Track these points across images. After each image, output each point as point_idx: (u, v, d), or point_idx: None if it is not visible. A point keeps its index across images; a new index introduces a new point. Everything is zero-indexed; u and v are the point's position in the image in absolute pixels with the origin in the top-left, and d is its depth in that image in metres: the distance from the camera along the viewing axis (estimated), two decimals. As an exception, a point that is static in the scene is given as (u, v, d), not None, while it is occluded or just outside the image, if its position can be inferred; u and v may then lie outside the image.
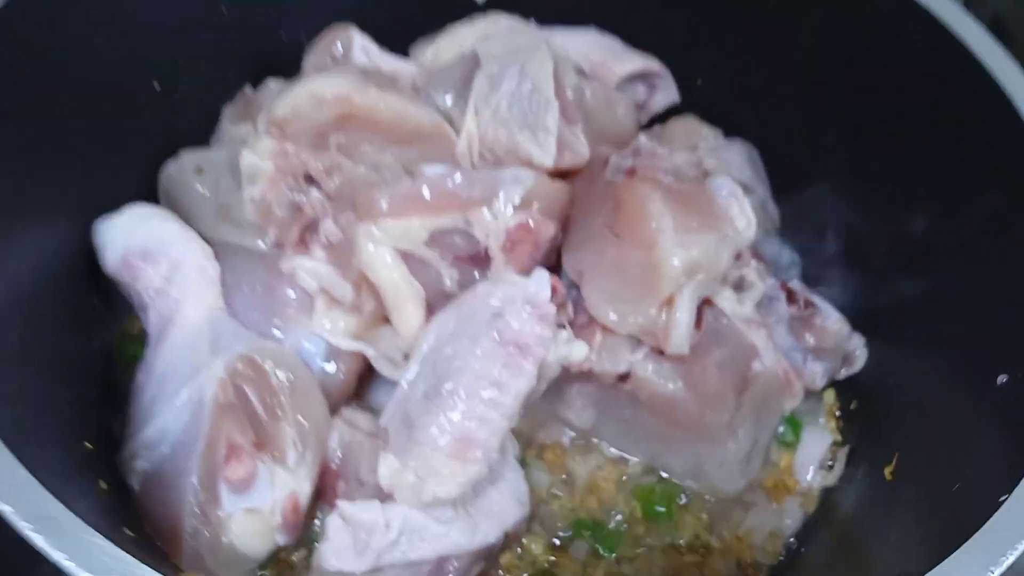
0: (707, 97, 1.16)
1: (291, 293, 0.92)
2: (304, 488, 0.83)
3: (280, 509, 0.81)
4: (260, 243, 0.94)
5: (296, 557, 0.88)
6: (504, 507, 0.87)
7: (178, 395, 0.82)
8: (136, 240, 0.90)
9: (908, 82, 0.93)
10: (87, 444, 0.79)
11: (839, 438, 1.00)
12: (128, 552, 0.53)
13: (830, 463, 0.98)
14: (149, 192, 1.00)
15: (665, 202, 0.89)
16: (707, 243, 0.88)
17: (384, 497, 0.81)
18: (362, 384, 0.95)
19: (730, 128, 1.13)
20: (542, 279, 0.85)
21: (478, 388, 0.80)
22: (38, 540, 0.52)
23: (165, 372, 0.84)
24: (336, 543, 0.79)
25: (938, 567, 0.61)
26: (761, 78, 1.10)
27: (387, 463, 0.80)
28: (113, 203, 0.95)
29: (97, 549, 0.53)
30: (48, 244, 0.88)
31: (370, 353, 0.90)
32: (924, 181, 0.93)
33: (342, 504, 0.80)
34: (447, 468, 0.78)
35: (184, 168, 0.98)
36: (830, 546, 0.90)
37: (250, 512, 0.80)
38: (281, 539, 0.82)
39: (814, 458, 0.98)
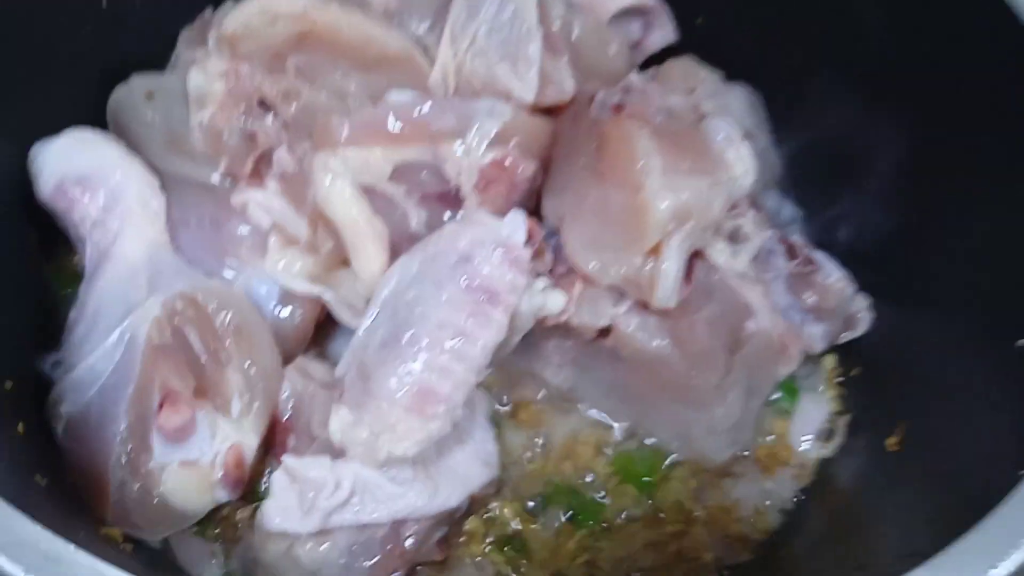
0: (707, 38, 1.08)
1: (243, 230, 0.85)
2: (249, 440, 0.77)
3: (221, 462, 0.75)
4: (213, 177, 0.86)
5: (240, 516, 0.81)
6: (469, 469, 0.80)
7: (110, 335, 0.75)
8: (73, 166, 0.83)
9: (927, 21, 0.83)
10: (7, 384, 0.71)
11: (839, 407, 0.93)
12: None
13: (828, 433, 0.91)
14: (98, 120, 0.92)
15: (654, 141, 0.80)
16: (699, 187, 0.79)
17: (336, 453, 0.74)
18: (320, 333, 0.88)
19: (732, 72, 1.05)
20: (517, 221, 0.77)
21: (441, 337, 0.73)
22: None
23: (98, 309, 0.78)
24: (281, 501, 0.73)
25: (948, 549, 0.53)
26: (767, 18, 1.01)
27: (340, 416, 0.73)
28: (57, 129, 0.88)
29: None
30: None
31: (328, 298, 0.83)
32: (941, 129, 0.84)
33: (288, 459, 0.73)
34: (404, 424, 0.71)
35: (134, 93, 0.90)
36: (824, 522, 0.84)
37: (186, 465, 0.74)
38: (222, 495, 0.76)
39: (811, 427, 0.91)
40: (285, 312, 0.84)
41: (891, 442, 0.80)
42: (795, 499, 0.89)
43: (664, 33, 1.08)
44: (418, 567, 0.79)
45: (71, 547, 0.43)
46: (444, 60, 0.89)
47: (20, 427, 0.70)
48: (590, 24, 0.96)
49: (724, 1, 1.05)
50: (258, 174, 0.85)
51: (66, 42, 0.89)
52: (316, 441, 0.78)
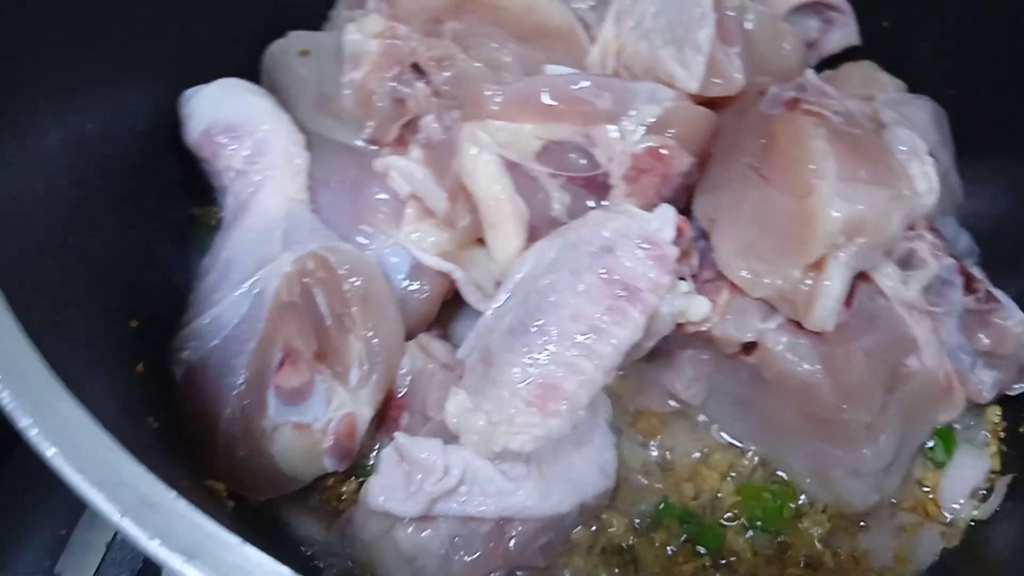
0: (893, 44, 1.00)
1: (381, 196, 0.83)
2: (364, 412, 0.75)
3: (333, 430, 0.73)
4: (357, 141, 0.85)
5: (345, 489, 0.79)
6: (585, 475, 0.75)
7: (239, 286, 0.74)
8: (222, 113, 0.83)
9: None
10: (132, 322, 0.70)
11: (998, 465, 0.83)
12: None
13: (985, 493, 0.81)
14: (251, 74, 0.92)
15: (830, 142, 0.73)
16: (876, 199, 0.72)
17: (449, 438, 0.70)
18: (445, 312, 0.85)
19: (916, 84, 0.97)
20: (667, 216, 0.72)
21: (573, 330, 0.68)
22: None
23: (231, 259, 0.77)
24: (387, 479, 0.70)
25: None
26: (963, 26, 0.93)
27: (457, 400, 0.70)
28: (210, 78, 0.88)
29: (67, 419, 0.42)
30: (140, 112, 0.82)
31: (458, 276, 0.80)
32: None
33: (400, 436, 0.70)
34: (523, 417, 0.67)
35: (289, 49, 0.91)
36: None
37: (299, 427, 0.72)
38: (330, 464, 0.74)
39: (967, 484, 0.83)
40: (413, 286, 0.81)
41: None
42: (936, 558, 0.80)
43: (846, 33, 1.02)
44: (518, 572, 0.73)
45: (171, 494, 0.41)
46: (606, 39, 0.85)
47: (140, 367, 0.69)
48: (766, 16, 0.91)
49: (915, 4, 0.97)
50: (403, 141, 0.83)
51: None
52: (430, 422, 0.75)
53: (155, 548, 0.39)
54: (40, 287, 0.55)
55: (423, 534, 0.70)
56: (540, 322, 0.69)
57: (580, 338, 0.68)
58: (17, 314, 0.47)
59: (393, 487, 0.69)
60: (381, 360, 0.75)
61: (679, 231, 0.72)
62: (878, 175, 0.73)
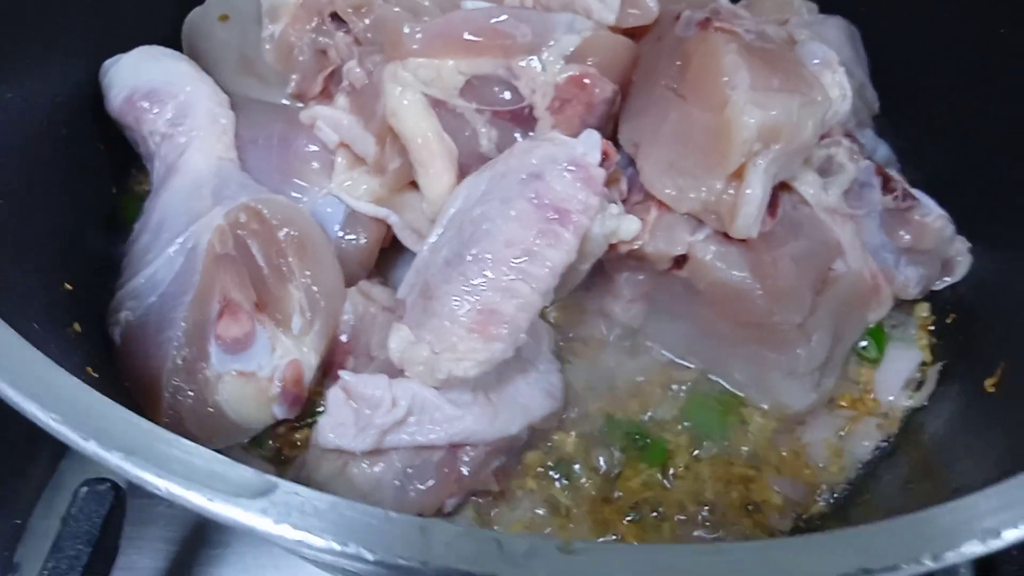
0: None
1: (311, 147, 0.85)
2: (309, 359, 0.77)
3: (279, 377, 0.75)
4: (282, 99, 0.87)
5: (299, 437, 0.81)
6: (531, 398, 0.78)
7: (172, 243, 0.75)
8: (143, 79, 0.84)
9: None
10: (66, 285, 0.71)
11: (929, 357, 0.87)
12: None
13: (918, 383, 0.86)
14: (172, 43, 0.93)
15: (742, 56, 0.75)
16: (789, 105, 0.74)
17: (394, 374, 0.72)
18: (384, 258, 0.87)
19: (829, 6, 1.01)
20: (592, 140, 0.75)
21: (507, 255, 0.70)
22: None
23: (162, 220, 0.79)
24: (336, 417, 0.71)
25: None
26: None
27: (400, 334, 0.72)
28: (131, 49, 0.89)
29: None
30: (63, 83, 0.83)
31: (393, 220, 0.82)
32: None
33: (345, 375, 0.72)
34: (465, 343, 0.69)
35: (208, 15, 0.92)
36: (906, 471, 0.78)
37: (244, 376, 0.74)
38: (280, 412, 0.76)
39: (900, 376, 0.86)
40: (350, 235, 0.83)
41: (990, 383, 0.75)
42: (876, 449, 0.84)
43: None
44: (473, 496, 0.76)
45: (107, 401, 0.42)
46: None
47: (76, 326, 0.71)
48: None
49: None
50: (328, 93, 0.84)
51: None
52: (375, 361, 0.77)
53: (92, 448, 0.40)
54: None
55: (376, 468, 0.72)
56: (475, 251, 0.71)
57: (515, 262, 0.70)
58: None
59: (343, 424, 0.71)
60: (323, 307, 0.77)
61: (605, 154, 0.75)
62: (790, 84, 0.76)
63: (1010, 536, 0.43)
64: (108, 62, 0.86)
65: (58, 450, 0.94)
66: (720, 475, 0.79)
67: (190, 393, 0.71)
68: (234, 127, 0.84)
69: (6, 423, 0.94)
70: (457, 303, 0.70)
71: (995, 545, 0.43)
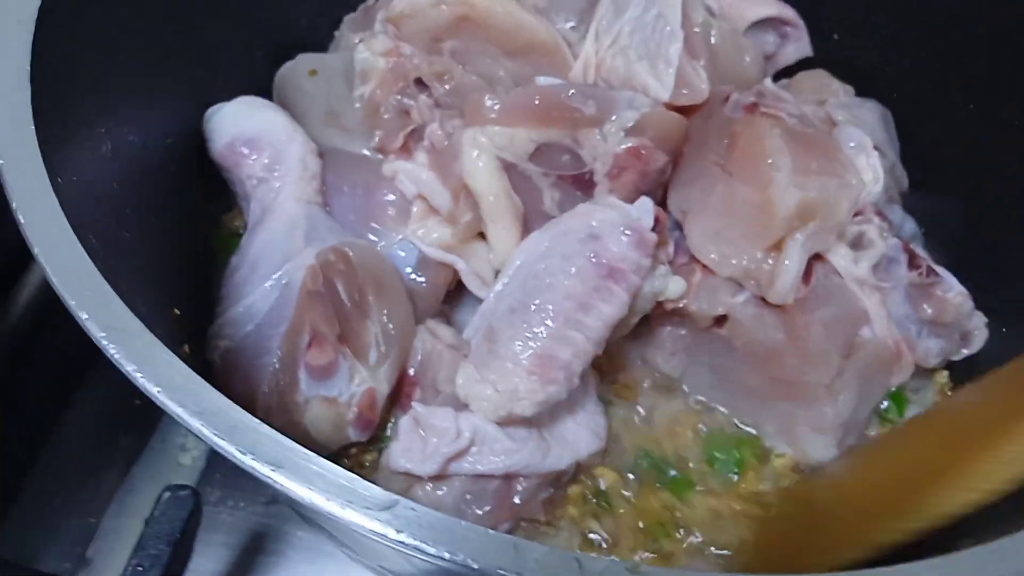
0: (843, 54, 1.14)
1: (390, 197, 0.94)
2: (382, 387, 0.86)
3: (356, 403, 0.84)
4: (365, 150, 0.97)
5: (368, 459, 0.90)
6: (579, 436, 0.87)
7: (268, 278, 0.85)
8: (243, 128, 0.94)
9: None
10: (175, 311, 0.81)
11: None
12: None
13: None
14: (266, 94, 1.04)
15: (785, 140, 0.86)
16: (826, 187, 0.85)
17: (459, 407, 0.82)
18: (450, 300, 0.97)
19: (864, 89, 1.11)
20: (646, 206, 0.85)
21: (566, 307, 0.80)
22: (111, 349, 0.53)
23: (258, 256, 0.88)
24: (405, 443, 0.81)
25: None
26: (907, 39, 1.07)
27: (466, 372, 0.82)
28: (229, 97, 1.00)
29: (167, 364, 0.53)
30: (172, 127, 0.94)
31: (460, 267, 0.91)
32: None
33: (416, 406, 0.82)
34: (525, 384, 0.79)
35: (298, 70, 1.02)
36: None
37: (326, 400, 0.82)
38: (354, 434, 0.85)
39: None
40: (420, 277, 0.92)
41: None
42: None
43: (800, 46, 1.15)
44: (523, 522, 0.85)
45: (255, 421, 0.51)
46: (587, 55, 0.96)
47: (186, 347, 0.79)
48: (728, 31, 1.02)
49: (861, 18, 1.11)
50: (407, 148, 0.94)
51: (244, 26, 1.04)
52: (440, 395, 0.87)
53: (248, 461, 0.49)
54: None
55: (439, 492, 0.81)
56: (537, 301, 0.81)
57: (573, 314, 0.80)
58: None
59: (411, 450, 0.80)
60: (395, 341, 0.86)
61: (657, 220, 0.84)
62: (828, 167, 0.86)
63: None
64: (211, 110, 0.97)
65: (130, 456, 1.04)
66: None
67: (280, 414, 0.80)
68: (321, 173, 0.94)
69: (82, 430, 1.05)
70: (520, 347, 0.79)
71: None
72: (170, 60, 0.92)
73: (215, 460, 1.04)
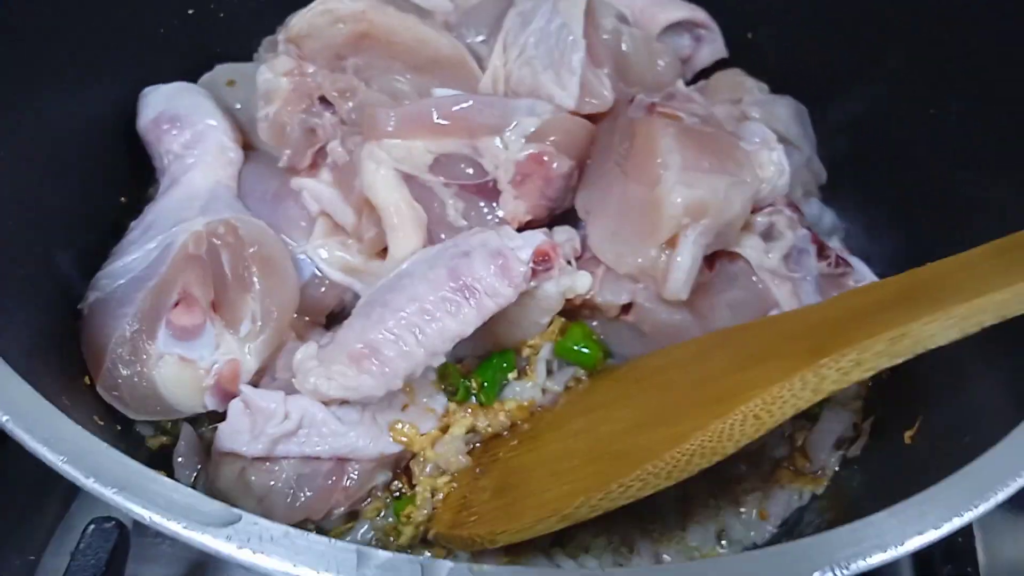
0: (758, 53, 1.16)
1: (296, 211, 0.96)
2: (248, 363, 0.86)
3: (216, 371, 0.84)
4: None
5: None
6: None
7: (154, 240, 0.88)
8: (172, 105, 1.00)
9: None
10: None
11: (858, 416, 0.94)
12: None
13: (850, 440, 0.92)
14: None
15: (677, 139, 0.88)
16: (716, 185, 0.86)
17: (291, 392, 0.83)
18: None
19: (779, 85, 1.12)
20: (532, 239, 0.86)
21: (406, 308, 0.82)
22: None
23: (153, 221, 0.91)
24: (234, 425, 0.82)
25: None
26: (821, 35, 1.09)
27: (306, 350, 0.84)
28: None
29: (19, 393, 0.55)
30: (101, 104, 0.99)
31: (357, 288, 0.93)
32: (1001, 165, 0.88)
33: (245, 388, 0.83)
34: (339, 367, 0.81)
35: (217, 80, 1.07)
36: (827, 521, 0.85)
37: (184, 361, 0.84)
38: (211, 402, 0.85)
39: (832, 437, 0.92)
40: (315, 281, 0.93)
41: (908, 435, 0.81)
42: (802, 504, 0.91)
43: (714, 48, 1.18)
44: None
45: (103, 444, 0.51)
46: (495, 67, 1.00)
47: (86, 379, 0.81)
48: (640, 37, 1.06)
49: (774, 17, 1.13)
50: (315, 165, 0.95)
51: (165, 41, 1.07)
52: (276, 381, 0.87)
53: (91, 484, 0.49)
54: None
55: (271, 475, 0.81)
56: (385, 298, 0.83)
57: (412, 316, 0.81)
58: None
59: (239, 432, 0.82)
60: (273, 321, 0.88)
61: (543, 255, 0.85)
62: (720, 165, 0.88)
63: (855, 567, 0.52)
64: (149, 88, 1.03)
65: (70, 492, 1.05)
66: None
67: (131, 363, 0.81)
68: (240, 164, 0.98)
69: (21, 468, 1.05)
70: (352, 336, 0.82)
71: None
72: (104, 40, 0.97)
73: None
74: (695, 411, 0.71)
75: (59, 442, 0.52)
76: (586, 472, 0.74)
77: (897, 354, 0.65)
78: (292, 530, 0.49)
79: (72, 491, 1.04)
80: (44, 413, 0.53)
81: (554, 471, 0.77)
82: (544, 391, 0.91)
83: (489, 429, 0.89)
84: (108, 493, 0.50)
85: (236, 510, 0.50)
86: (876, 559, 0.53)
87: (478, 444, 0.89)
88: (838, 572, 0.52)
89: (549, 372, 0.92)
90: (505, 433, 0.89)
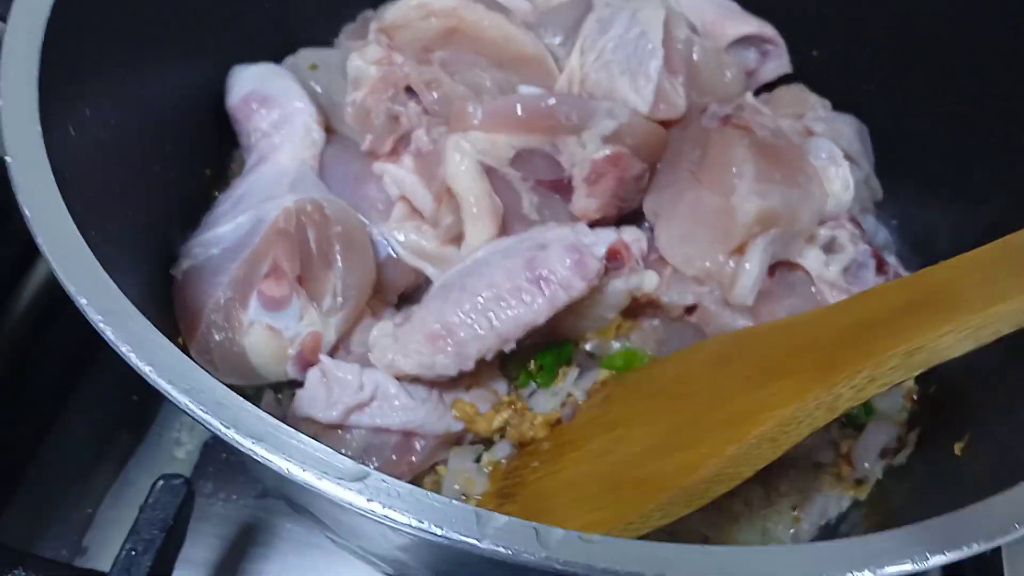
0: (821, 71, 1.20)
1: (376, 194, 1.01)
2: (329, 335, 0.92)
3: (300, 341, 0.90)
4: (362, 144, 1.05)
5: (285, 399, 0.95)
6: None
7: (245, 213, 0.93)
8: (261, 85, 1.05)
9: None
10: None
11: (904, 427, 0.99)
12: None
13: (894, 451, 0.97)
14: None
15: (751, 150, 0.94)
16: (787, 197, 0.92)
17: (367, 366, 0.88)
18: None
19: (842, 104, 1.17)
20: (605, 237, 0.91)
21: (483, 293, 0.87)
22: (107, 332, 0.60)
23: (243, 195, 0.97)
24: (311, 392, 0.88)
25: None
26: (884, 56, 1.13)
27: (382, 327, 0.90)
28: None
29: (158, 346, 0.60)
30: (194, 81, 1.04)
31: (429, 272, 0.98)
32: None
33: (324, 358, 0.89)
34: (415, 346, 0.86)
35: (300, 64, 1.12)
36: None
37: (271, 330, 0.89)
38: (292, 371, 0.91)
39: (876, 447, 0.96)
40: (391, 262, 0.98)
41: (958, 447, 0.85)
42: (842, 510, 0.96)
43: (780, 63, 1.23)
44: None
45: (238, 398, 0.57)
46: (572, 68, 1.04)
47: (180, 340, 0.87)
48: (710, 49, 1.11)
49: (840, 35, 1.17)
50: (396, 152, 1.00)
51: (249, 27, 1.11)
52: (352, 355, 0.93)
53: (231, 434, 0.54)
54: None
55: (342, 441, 0.87)
56: (463, 282, 0.88)
57: (488, 302, 0.86)
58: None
59: (316, 399, 0.88)
60: (352, 298, 0.93)
61: (617, 253, 0.90)
62: (791, 178, 0.93)
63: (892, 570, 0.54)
64: (238, 67, 1.07)
65: (127, 450, 1.13)
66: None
67: (223, 330, 0.87)
68: (323, 146, 1.03)
69: (81, 425, 1.09)
70: (429, 317, 0.88)
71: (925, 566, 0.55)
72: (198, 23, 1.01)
73: (208, 454, 1.12)
74: (710, 436, 0.70)
75: (199, 393, 0.57)
76: (608, 500, 0.75)
77: (912, 367, 0.64)
78: (416, 488, 0.54)
79: (130, 448, 1.12)
80: (184, 366, 0.58)
81: (577, 498, 0.79)
82: (566, 398, 0.94)
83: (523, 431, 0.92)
84: (247, 443, 0.55)
85: (365, 467, 0.54)
86: (905, 567, 0.54)
87: (504, 460, 0.93)
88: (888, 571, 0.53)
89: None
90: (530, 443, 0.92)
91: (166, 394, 0.57)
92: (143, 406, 1.13)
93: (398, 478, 0.84)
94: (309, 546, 1.04)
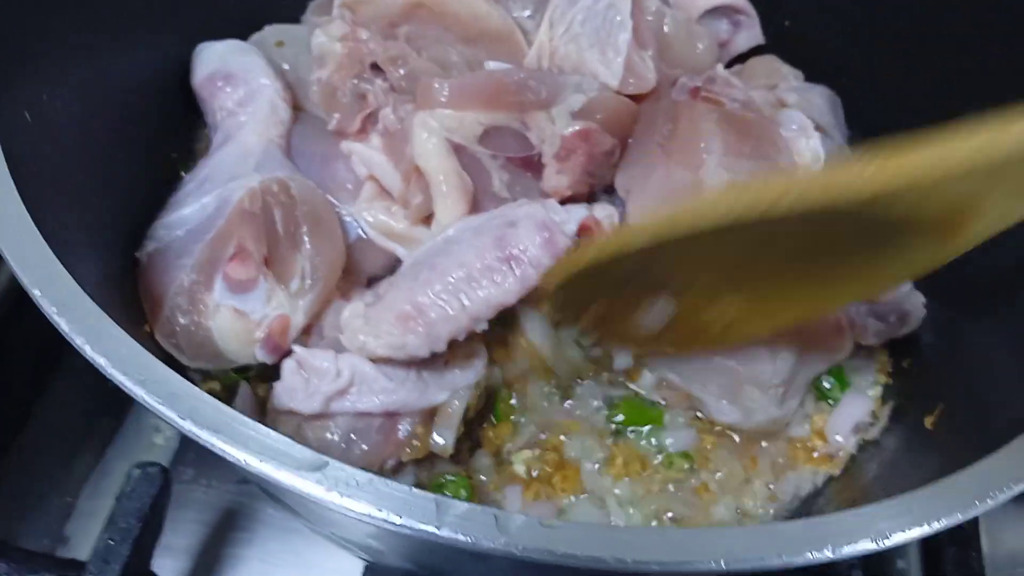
0: (794, 41, 1.20)
1: (344, 174, 1.01)
2: (298, 317, 0.91)
3: (267, 324, 0.89)
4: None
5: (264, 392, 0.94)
6: (457, 375, 0.91)
7: (210, 194, 0.92)
8: (226, 63, 1.04)
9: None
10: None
11: (878, 402, 0.99)
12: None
13: (868, 425, 0.98)
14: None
15: (720, 124, 0.94)
16: (755, 171, 0.90)
17: (341, 351, 0.88)
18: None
19: (814, 74, 1.17)
20: (575, 213, 0.91)
21: (456, 274, 0.86)
22: (62, 324, 0.60)
23: (208, 176, 0.95)
24: (289, 384, 0.87)
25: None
26: (857, 27, 1.13)
27: (353, 308, 0.88)
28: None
29: (113, 338, 0.60)
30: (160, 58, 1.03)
31: (400, 253, 0.98)
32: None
33: (297, 348, 0.88)
34: (386, 327, 0.85)
35: (266, 40, 1.11)
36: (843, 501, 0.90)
37: (237, 313, 0.88)
38: (260, 354, 0.90)
39: (851, 421, 0.97)
40: (360, 243, 0.98)
41: (929, 420, 0.86)
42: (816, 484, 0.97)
43: (752, 34, 1.22)
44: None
45: (193, 388, 0.56)
46: (541, 42, 1.03)
47: (146, 327, 0.86)
48: (681, 20, 1.11)
49: (812, 6, 1.17)
50: (364, 130, 0.99)
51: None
52: (324, 340, 0.92)
53: (187, 426, 0.53)
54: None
55: (327, 430, 0.86)
56: (433, 262, 0.88)
57: (459, 282, 0.85)
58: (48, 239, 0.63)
59: (294, 390, 0.86)
60: (321, 279, 0.92)
61: (588, 228, 0.90)
62: (761, 150, 0.93)
63: (897, 539, 0.55)
64: (203, 44, 1.06)
65: (105, 438, 1.13)
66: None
67: (188, 312, 0.87)
68: (290, 124, 1.02)
69: (59, 414, 1.09)
70: (399, 297, 0.86)
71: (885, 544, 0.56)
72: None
73: (188, 440, 1.07)
74: None
75: (154, 384, 0.56)
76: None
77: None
78: (376, 477, 0.54)
79: (108, 436, 1.12)
80: (141, 358, 0.58)
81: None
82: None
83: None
84: (204, 435, 0.54)
85: (324, 457, 0.54)
86: (895, 539, 0.55)
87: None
88: (847, 551, 0.54)
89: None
90: None
91: (121, 386, 0.56)
92: (120, 394, 1.08)
93: (387, 459, 0.87)
94: (290, 531, 1.05)
